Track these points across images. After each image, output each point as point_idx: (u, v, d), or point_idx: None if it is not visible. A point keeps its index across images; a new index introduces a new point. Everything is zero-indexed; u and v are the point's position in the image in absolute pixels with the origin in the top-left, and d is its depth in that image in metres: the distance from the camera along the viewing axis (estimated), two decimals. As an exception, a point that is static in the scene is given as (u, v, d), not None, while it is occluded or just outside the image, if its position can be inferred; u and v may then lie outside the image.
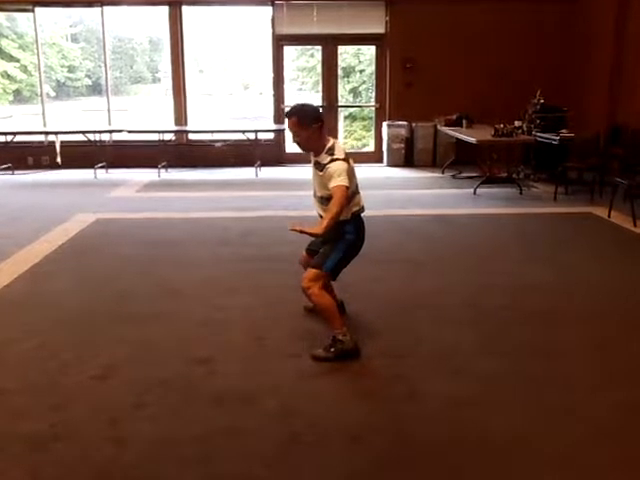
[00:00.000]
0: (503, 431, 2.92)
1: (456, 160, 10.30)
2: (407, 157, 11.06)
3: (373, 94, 12.02)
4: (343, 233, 3.76)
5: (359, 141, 17.39)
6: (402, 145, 11.01)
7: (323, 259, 3.77)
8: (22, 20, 10.98)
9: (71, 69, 24.68)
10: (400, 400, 3.21)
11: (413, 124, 10.94)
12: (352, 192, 3.71)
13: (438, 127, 10.51)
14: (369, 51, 17.12)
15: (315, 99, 12.88)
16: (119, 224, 7.00)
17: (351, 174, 3.67)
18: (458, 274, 5.22)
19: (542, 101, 9.27)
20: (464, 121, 9.79)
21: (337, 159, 3.59)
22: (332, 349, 3.65)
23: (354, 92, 18.41)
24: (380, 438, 2.86)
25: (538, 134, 8.99)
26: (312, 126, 3.63)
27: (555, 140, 8.45)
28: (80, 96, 25.14)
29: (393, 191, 8.85)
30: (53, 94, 23.64)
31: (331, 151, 3.64)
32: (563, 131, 8.67)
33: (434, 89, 10.73)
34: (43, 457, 2.73)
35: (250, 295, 4.74)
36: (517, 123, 8.86)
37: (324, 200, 3.70)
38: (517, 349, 3.79)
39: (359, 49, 16.66)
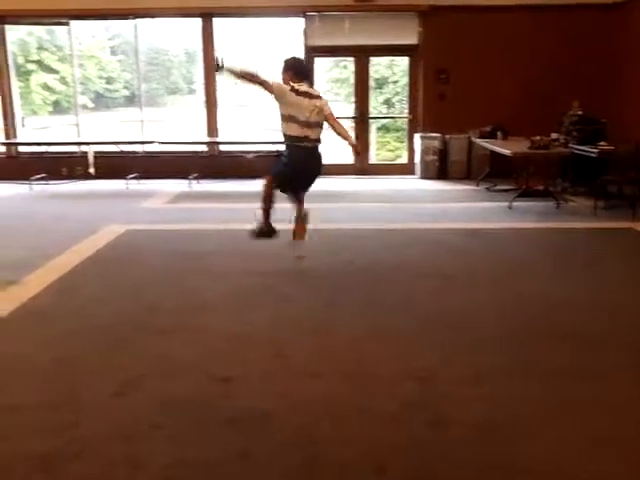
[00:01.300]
0: (537, 461, 2.75)
1: (491, 172, 10.09)
2: (440, 169, 10.89)
3: (406, 105, 11.88)
4: (283, 155, 5.22)
5: (392, 152, 17.25)
6: (435, 157, 10.85)
7: (272, 167, 5.32)
8: (61, 33, 11.14)
9: (109, 81, 25.07)
10: (426, 426, 3.05)
11: (447, 136, 10.78)
12: (283, 115, 5.03)
13: (472, 139, 10.33)
14: (403, 62, 17.04)
15: (348, 110, 12.82)
16: (148, 235, 6.98)
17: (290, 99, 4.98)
18: (489, 290, 5.05)
19: (580, 112, 9.04)
20: (499, 133, 9.60)
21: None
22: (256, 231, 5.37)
23: (387, 103, 18.28)
24: (404, 467, 2.72)
25: (575, 146, 8.76)
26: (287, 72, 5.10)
27: (594, 153, 8.21)
28: (118, 107, 25.50)
29: (426, 204, 8.70)
30: (91, 105, 24.09)
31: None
32: (602, 143, 8.42)
33: (468, 100, 10.57)
34: (54, 479, 2.65)
35: (275, 309, 4.64)
36: (554, 135, 8.64)
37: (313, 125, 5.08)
38: (551, 371, 3.60)
39: (392, 60, 16.56)
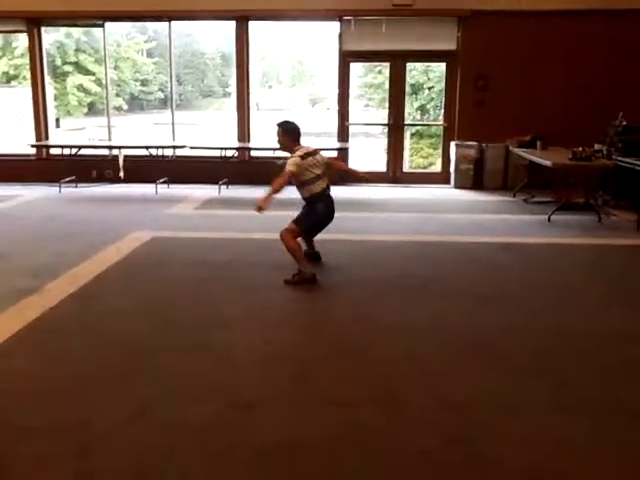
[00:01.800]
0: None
1: (528, 183, 9.73)
2: (476, 179, 10.56)
3: (441, 112, 11.58)
4: (314, 210, 5.50)
5: (425, 159, 16.94)
6: (471, 166, 10.53)
7: (299, 221, 5.45)
8: (99, 35, 11.08)
9: (144, 83, 25.26)
10: (461, 465, 2.80)
11: (483, 144, 10.44)
12: (306, 180, 5.43)
13: (510, 148, 9.98)
14: (439, 68, 16.74)
15: (381, 116, 12.56)
16: (174, 243, 6.82)
17: (305, 166, 5.39)
18: (527, 313, 4.74)
19: (624, 123, 8.65)
20: (538, 142, 9.24)
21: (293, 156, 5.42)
22: (296, 276, 5.30)
23: (422, 109, 17.98)
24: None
25: (619, 158, 8.38)
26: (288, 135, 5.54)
27: (639, 166, 7.82)
28: (153, 109, 25.70)
29: (460, 215, 8.40)
30: (126, 107, 24.26)
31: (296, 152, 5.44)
32: (647, 156, 8.03)
33: (506, 108, 10.24)
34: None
35: (300, 327, 4.43)
36: (597, 146, 8.28)
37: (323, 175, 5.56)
38: (601, 407, 3.31)
39: (428, 66, 16.26)
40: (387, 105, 11.34)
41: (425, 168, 15.70)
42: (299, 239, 5.58)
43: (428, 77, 17.38)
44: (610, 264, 6.21)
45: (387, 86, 11.57)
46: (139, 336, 4.21)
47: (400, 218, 8.16)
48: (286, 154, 5.72)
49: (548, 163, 7.78)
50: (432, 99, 17.58)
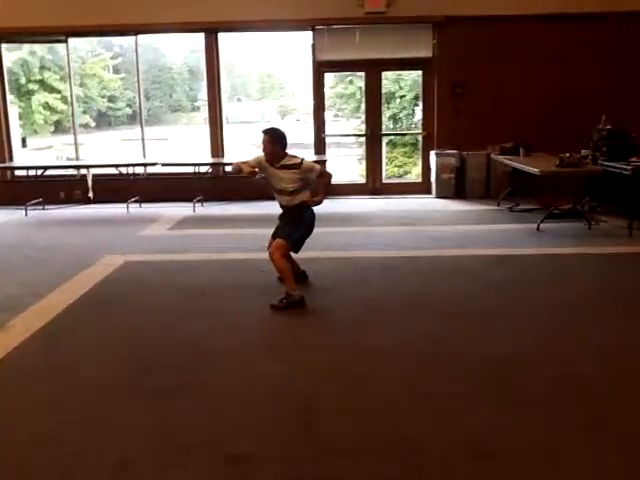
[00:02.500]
0: None
1: (512, 191, 9.50)
2: (457, 188, 10.30)
3: (414, 120, 11.34)
4: (304, 217, 5.23)
5: (400, 168, 16.70)
6: (452, 175, 10.27)
7: (289, 234, 5.11)
8: (64, 52, 10.64)
9: (112, 99, 24.71)
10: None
11: (464, 153, 10.20)
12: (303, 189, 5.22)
13: (492, 156, 9.74)
14: (410, 76, 16.59)
15: (351, 126, 12.23)
16: (149, 268, 6.39)
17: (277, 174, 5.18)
18: (538, 333, 4.42)
19: (608, 127, 8.46)
20: (521, 149, 9.02)
21: (303, 159, 5.20)
22: (284, 300, 4.92)
23: (394, 118, 17.78)
24: None
25: (605, 163, 8.17)
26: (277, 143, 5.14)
27: (627, 170, 7.61)
28: (121, 125, 25.14)
29: (447, 227, 8.11)
30: (93, 124, 23.71)
31: (294, 157, 5.20)
32: (634, 159, 7.82)
33: (486, 115, 10.01)
34: None
35: (293, 359, 4.05)
36: (584, 152, 8.06)
37: (293, 192, 5.18)
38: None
39: (399, 74, 16.10)
40: (361, 115, 11.10)
41: (400, 177, 15.49)
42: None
43: (400, 86, 17.22)
44: (612, 273, 5.93)
45: (358, 96, 11.31)
46: (112, 379, 3.79)
47: (386, 232, 7.84)
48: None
49: (535, 171, 7.53)
50: (404, 108, 17.43)
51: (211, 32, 10.30)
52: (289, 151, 5.24)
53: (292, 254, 5.35)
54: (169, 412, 3.36)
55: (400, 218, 8.76)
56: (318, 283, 5.65)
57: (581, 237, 7.35)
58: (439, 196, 10.35)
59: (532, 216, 8.45)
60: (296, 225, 5.20)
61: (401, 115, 17.78)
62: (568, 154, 7.59)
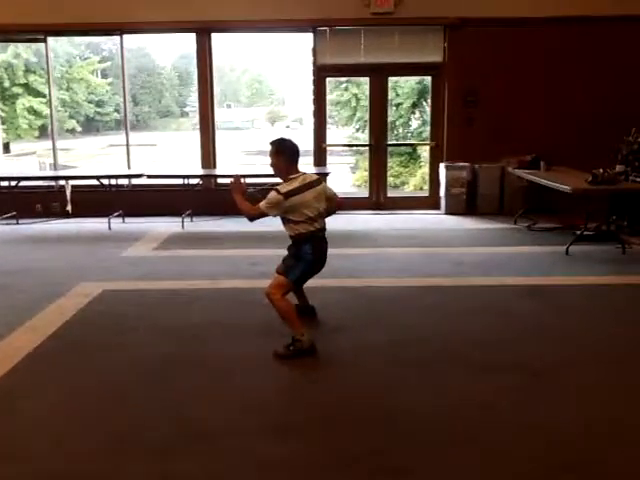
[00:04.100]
0: None
1: (529, 208, 8.73)
2: (469, 203, 9.51)
3: (410, 129, 10.58)
4: (303, 252, 4.32)
5: (397, 178, 15.97)
6: (463, 190, 9.48)
7: (287, 270, 4.33)
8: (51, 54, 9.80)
9: (99, 104, 23.90)
10: None
11: (476, 166, 9.42)
12: (296, 220, 4.28)
13: (508, 170, 8.96)
14: (407, 83, 15.94)
15: (342, 135, 11.49)
16: (129, 300, 5.51)
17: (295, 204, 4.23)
18: (602, 393, 3.61)
19: (640, 140, 7.72)
20: (542, 163, 8.26)
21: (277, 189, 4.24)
22: (291, 347, 4.14)
23: (391, 127, 17.10)
24: None
25: (638, 179, 7.43)
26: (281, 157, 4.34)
27: (666, 187, 6.86)
28: (109, 131, 24.36)
29: (462, 249, 7.32)
30: (80, 129, 22.90)
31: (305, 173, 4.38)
32: (669, 175, 7.09)
33: (500, 126, 9.25)
34: None
35: (310, 435, 3.20)
36: (619, 167, 7.28)
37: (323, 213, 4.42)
38: None
39: (397, 82, 15.46)
40: (354, 123, 10.26)
41: (397, 187, 14.81)
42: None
43: (397, 93, 16.59)
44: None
45: (354, 104, 10.51)
46: (83, 462, 2.94)
47: (397, 255, 7.02)
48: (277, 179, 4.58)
49: (567, 189, 6.72)
50: (400, 116, 16.81)
51: (203, 32, 9.47)
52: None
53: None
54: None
55: (410, 237, 7.95)
56: (327, 319, 4.84)
57: (617, 263, 6.57)
58: (449, 212, 9.55)
59: (553, 236, 7.72)
60: (294, 258, 4.41)
61: (397, 123, 17.12)
62: (602, 170, 6.81)
